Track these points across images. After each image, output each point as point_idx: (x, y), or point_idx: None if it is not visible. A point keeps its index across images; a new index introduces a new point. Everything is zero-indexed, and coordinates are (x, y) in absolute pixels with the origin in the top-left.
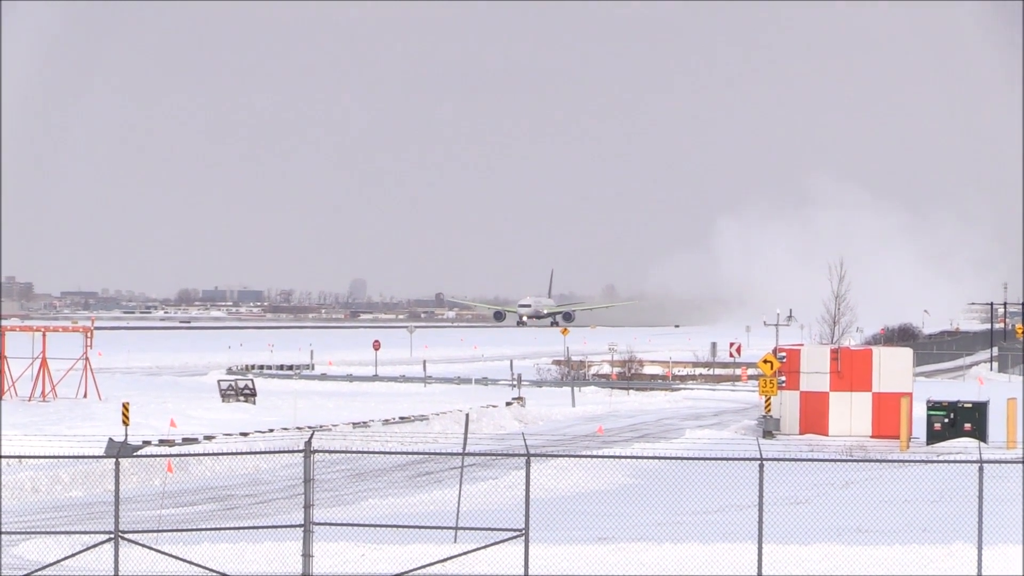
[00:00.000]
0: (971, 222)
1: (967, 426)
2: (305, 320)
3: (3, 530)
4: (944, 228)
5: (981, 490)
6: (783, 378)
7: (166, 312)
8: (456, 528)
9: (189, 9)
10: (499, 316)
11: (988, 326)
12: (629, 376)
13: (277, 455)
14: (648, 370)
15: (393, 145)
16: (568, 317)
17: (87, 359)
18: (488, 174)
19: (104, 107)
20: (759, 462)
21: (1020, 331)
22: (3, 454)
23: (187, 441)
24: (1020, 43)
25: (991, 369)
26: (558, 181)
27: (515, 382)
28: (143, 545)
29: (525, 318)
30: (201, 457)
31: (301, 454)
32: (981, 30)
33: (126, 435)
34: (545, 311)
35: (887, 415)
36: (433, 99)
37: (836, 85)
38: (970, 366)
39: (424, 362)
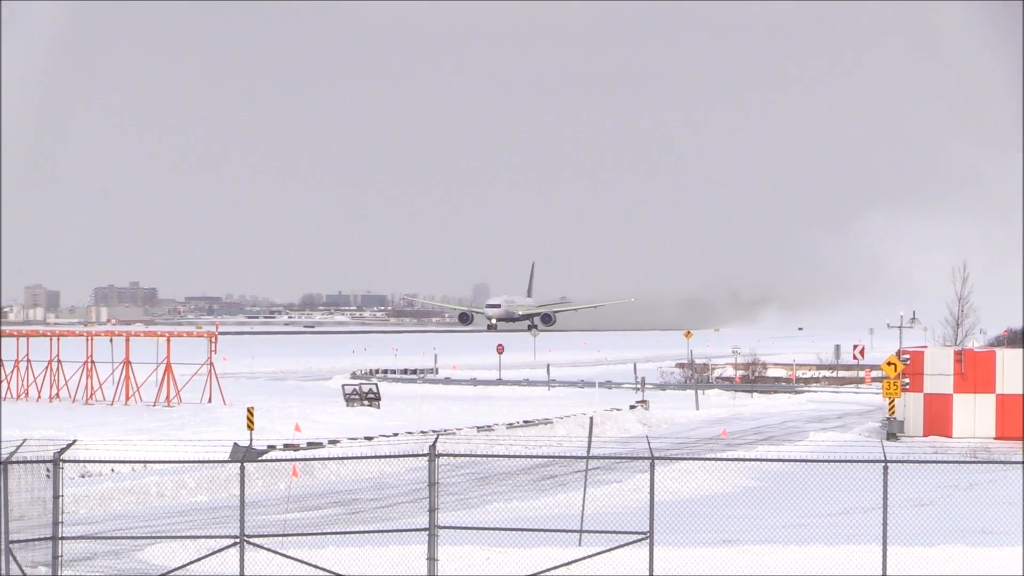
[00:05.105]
0: None
1: None
2: (428, 324)
3: (127, 535)
4: None
5: None
6: (907, 380)
7: (290, 317)
8: (581, 531)
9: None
10: (465, 318)
11: None
12: (753, 379)
13: (402, 459)
14: (772, 373)
15: (516, 148)
16: (548, 319)
17: (211, 364)
18: (606, 176)
19: (215, 111)
20: (883, 464)
21: None
22: (129, 459)
23: (312, 445)
24: None
25: None
26: (681, 188)
27: (639, 385)
28: (269, 549)
29: (494, 320)
30: (326, 461)
31: (426, 458)
32: None
33: (251, 439)
34: (519, 312)
35: (1011, 416)
36: (561, 99)
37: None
38: None
39: (548, 365)
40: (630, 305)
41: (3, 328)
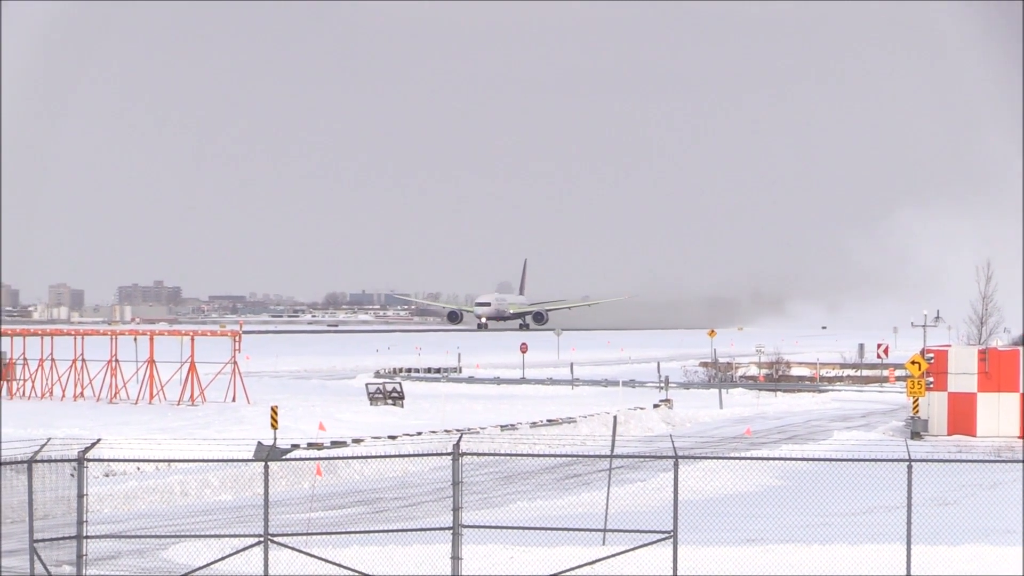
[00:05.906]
0: None
1: None
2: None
3: (152, 534)
4: None
5: None
6: (931, 379)
7: (314, 316)
8: (604, 530)
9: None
10: (454, 317)
11: None
12: (776, 378)
13: (425, 458)
14: (795, 372)
15: (541, 147)
16: (540, 318)
17: (235, 363)
18: (631, 174)
19: (239, 110)
20: (907, 463)
21: None
22: (153, 458)
23: (336, 444)
24: None
25: None
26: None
27: (662, 384)
28: (292, 548)
29: (484, 319)
30: (350, 460)
31: (449, 457)
32: None
33: (275, 438)
34: (511, 310)
35: None
36: (575, 97)
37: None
38: None
39: (571, 364)
40: (654, 304)
41: (28, 328)
